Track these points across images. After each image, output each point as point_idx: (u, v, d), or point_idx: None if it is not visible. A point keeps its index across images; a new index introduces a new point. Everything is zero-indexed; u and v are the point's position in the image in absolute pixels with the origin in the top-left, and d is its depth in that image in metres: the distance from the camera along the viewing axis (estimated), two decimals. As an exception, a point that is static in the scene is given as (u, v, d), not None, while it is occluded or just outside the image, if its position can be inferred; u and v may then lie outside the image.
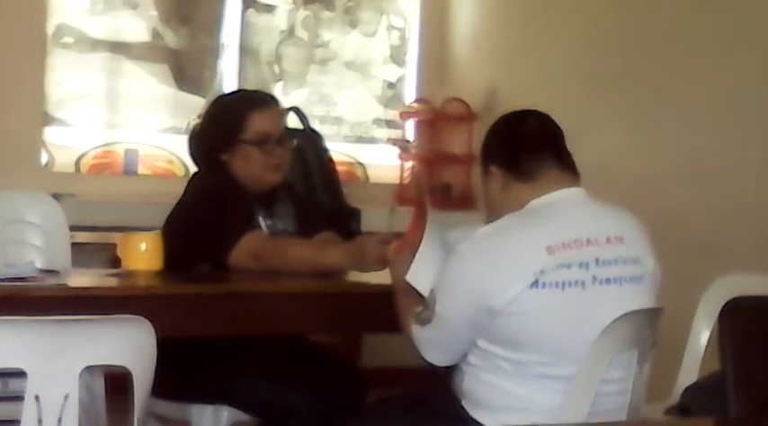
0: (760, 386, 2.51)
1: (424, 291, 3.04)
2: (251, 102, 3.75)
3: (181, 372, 3.44)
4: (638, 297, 2.96)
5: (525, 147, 3.00)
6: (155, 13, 6.13)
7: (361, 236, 3.35)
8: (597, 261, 2.90)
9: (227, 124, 3.69)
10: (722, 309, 2.55)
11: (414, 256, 3.08)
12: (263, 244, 3.55)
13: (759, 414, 2.45)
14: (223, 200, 3.59)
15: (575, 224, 2.93)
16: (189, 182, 3.76)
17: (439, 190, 6.32)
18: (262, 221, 3.68)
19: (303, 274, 3.46)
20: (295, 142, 3.93)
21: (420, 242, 3.09)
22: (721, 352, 2.51)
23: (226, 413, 3.54)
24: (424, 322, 2.98)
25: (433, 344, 2.99)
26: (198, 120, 3.88)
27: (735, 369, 2.50)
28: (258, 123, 3.67)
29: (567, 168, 3.00)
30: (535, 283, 2.84)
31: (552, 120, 3.05)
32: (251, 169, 3.66)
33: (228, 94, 4.15)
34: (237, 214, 3.58)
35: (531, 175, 2.96)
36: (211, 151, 3.70)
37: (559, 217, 2.94)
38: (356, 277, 3.50)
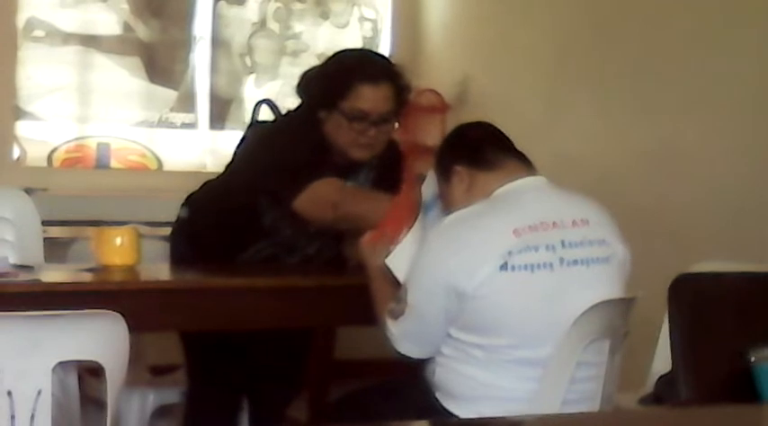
0: (706, 361, 2.54)
1: (401, 276, 3.06)
2: (363, 72, 3.57)
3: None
4: (607, 278, 3.00)
5: (485, 141, 3.10)
6: (126, 6, 6.10)
7: None
8: (563, 243, 2.95)
9: (333, 85, 3.55)
10: (670, 287, 2.58)
11: (398, 241, 3.11)
12: (340, 192, 3.46)
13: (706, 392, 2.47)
14: (305, 141, 3.49)
15: (540, 208, 2.99)
16: (284, 116, 3.68)
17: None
18: None
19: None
20: (396, 125, 3.72)
21: (408, 229, 3.13)
22: (671, 328, 2.54)
23: (152, 397, 3.58)
24: (397, 315, 3.00)
25: (406, 336, 3.01)
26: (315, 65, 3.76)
27: (682, 346, 2.53)
28: (360, 98, 3.52)
29: (525, 160, 3.09)
30: (504, 266, 2.88)
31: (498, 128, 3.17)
32: (338, 139, 3.54)
33: (351, 52, 3.94)
34: (314, 157, 3.46)
35: (495, 164, 3.05)
36: (312, 102, 3.59)
37: (525, 202, 2.99)
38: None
